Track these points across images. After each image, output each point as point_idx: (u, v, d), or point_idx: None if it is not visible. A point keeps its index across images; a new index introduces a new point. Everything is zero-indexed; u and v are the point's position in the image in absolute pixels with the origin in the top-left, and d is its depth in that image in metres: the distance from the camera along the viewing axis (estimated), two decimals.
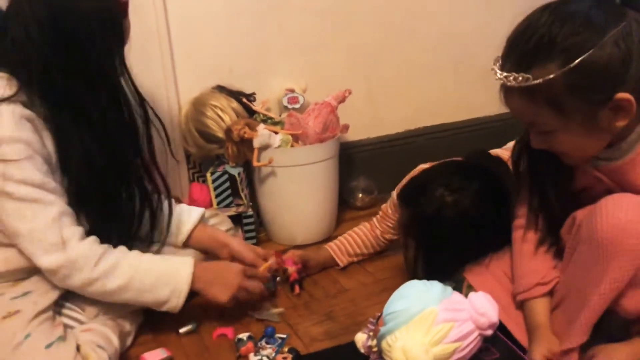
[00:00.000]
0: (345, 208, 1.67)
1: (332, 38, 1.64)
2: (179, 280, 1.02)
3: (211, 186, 1.42)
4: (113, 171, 1.01)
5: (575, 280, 0.86)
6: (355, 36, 1.66)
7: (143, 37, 1.40)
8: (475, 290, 0.89)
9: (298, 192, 1.45)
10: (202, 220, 1.19)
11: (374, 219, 1.37)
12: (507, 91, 0.82)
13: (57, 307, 1.01)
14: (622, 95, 0.75)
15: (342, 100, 1.50)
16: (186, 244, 1.17)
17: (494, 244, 1.07)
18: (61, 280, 0.96)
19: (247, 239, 1.44)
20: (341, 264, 1.34)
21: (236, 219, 1.41)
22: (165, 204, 1.14)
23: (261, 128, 1.39)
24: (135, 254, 1.03)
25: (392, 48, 1.72)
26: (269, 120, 1.47)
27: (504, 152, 1.18)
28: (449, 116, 1.86)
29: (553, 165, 0.91)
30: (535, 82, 0.76)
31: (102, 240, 0.99)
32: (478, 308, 0.77)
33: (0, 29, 0.93)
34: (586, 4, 0.77)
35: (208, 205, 1.43)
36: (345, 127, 1.56)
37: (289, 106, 1.54)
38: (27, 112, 0.92)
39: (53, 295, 0.99)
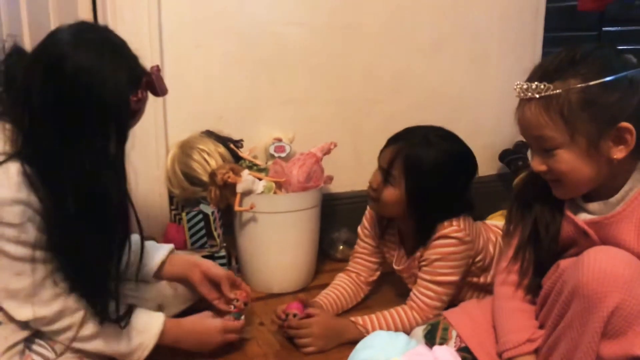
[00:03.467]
0: (325, 259, 1.67)
1: (322, 92, 1.70)
2: (146, 336, 1.02)
3: (186, 226, 1.43)
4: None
5: (561, 333, 0.87)
6: (344, 91, 1.73)
7: None
8: (452, 329, 0.95)
9: (278, 239, 1.45)
10: (172, 252, 1.20)
11: (350, 266, 1.38)
12: (525, 103, 0.88)
13: (27, 342, 1.00)
14: (626, 124, 0.82)
15: (327, 152, 1.53)
16: (158, 275, 1.17)
17: (458, 208, 1.21)
18: (38, 326, 0.97)
19: None
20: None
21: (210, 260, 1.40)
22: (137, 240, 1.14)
23: (245, 174, 1.41)
24: None
25: (380, 104, 1.78)
26: (255, 167, 1.50)
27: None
28: None
29: (549, 211, 0.96)
30: (555, 91, 0.83)
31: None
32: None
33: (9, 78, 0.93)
34: (608, 51, 0.87)
35: (183, 246, 1.44)
36: (330, 178, 1.58)
37: (276, 154, 1.57)
38: (27, 167, 0.89)
39: (24, 332, 0.98)
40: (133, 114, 0.96)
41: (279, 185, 1.45)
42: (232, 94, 1.59)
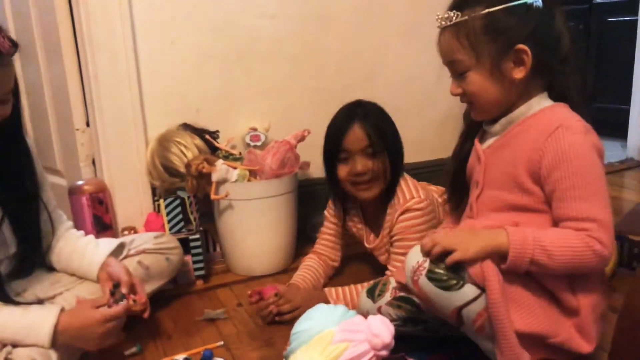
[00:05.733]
0: (308, 242, 1.73)
1: (296, 81, 1.75)
2: (40, 335, 1.01)
3: (164, 212, 1.50)
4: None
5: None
6: (319, 80, 1.78)
7: (114, 78, 1.53)
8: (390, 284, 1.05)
9: (255, 224, 1.52)
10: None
11: (317, 248, 1.45)
12: (441, 32, 0.96)
13: None
14: (522, 46, 0.89)
15: (301, 139, 1.59)
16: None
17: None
18: None
19: (194, 262, 1.49)
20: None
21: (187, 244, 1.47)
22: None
23: (219, 163, 1.48)
24: None
25: (355, 92, 1.78)
26: (230, 157, 1.57)
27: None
28: (411, 156, 1.93)
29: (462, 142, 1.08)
30: (463, 18, 0.91)
31: None
32: (373, 329, 0.83)
33: None
34: None
35: (161, 230, 1.50)
36: (307, 164, 1.64)
37: (252, 143, 1.64)
38: None
39: None
40: None
41: (254, 173, 1.52)
42: (208, 87, 1.65)
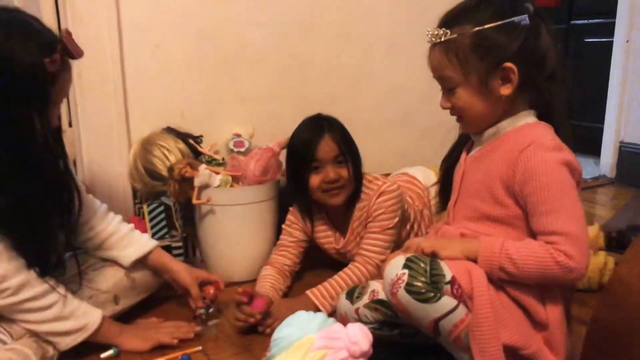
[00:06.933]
0: None
1: (281, 89, 1.77)
2: (90, 318, 1.12)
3: (147, 217, 1.50)
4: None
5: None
6: (304, 88, 1.80)
7: (98, 78, 1.52)
8: (368, 287, 1.10)
9: (236, 230, 1.53)
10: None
11: (273, 259, 1.47)
12: (431, 49, 0.98)
13: None
14: (509, 64, 0.92)
15: (284, 146, 1.60)
16: (144, 260, 1.29)
17: None
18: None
19: None
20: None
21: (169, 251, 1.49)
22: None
23: (202, 168, 1.48)
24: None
25: (339, 101, 1.85)
26: (213, 162, 1.57)
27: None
28: (393, 167, 1.97)
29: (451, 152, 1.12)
30: (452, 36, 0.93)
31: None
32: (351, 337, 0.84)
33: None
34: None
35: None
36: None
37: (235, 149, 1.64)
38: None
39: None
40: (52, 77, 1.00)
41: (236, 179, 1.52)
42: (192, 92, 1.66)
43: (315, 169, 1.37)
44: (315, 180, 1.37)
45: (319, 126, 1.38)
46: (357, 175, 1.41)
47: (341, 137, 1.38)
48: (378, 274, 1.34)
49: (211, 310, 1.30)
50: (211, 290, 1.29)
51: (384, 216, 1.39)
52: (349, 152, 1.38)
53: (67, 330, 1.10)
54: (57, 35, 1.03)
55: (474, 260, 0.91)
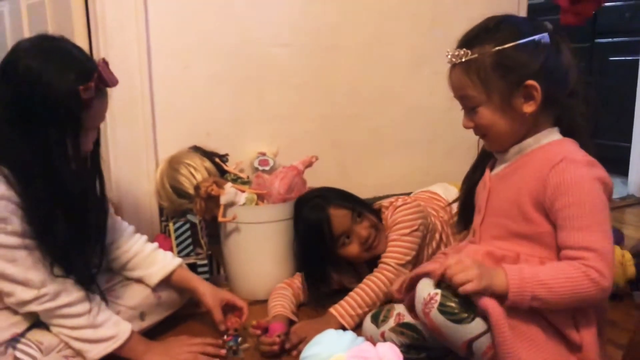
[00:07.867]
0: None
1: (306, 109, 1.79)
2: (121, 328, 1.13)
3: (173, 235, 1.51)
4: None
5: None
6: (328, 107, 1.81)
7: (128, 100, 1.56)
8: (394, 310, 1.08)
9: (260, 248, 1.53)
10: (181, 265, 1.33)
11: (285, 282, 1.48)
12: (452, 68, 0.98)
13: (12, 341, 1.09)
14: (532, 82, 0.91)
15: (308, 164, 1.61)
16: (167, 280, 1.30)
17: None
18: (39, 309, 1.07)
19: None
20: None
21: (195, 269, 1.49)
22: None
23: (228, 186, 1.49)
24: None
25: (362, 120, 1.86)
26: (239, 180, 1.59)
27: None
28: (418, 185, 1.96)
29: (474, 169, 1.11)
30: (473, 56, 0.93)
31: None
32: (381, 356, 0.84)
33: None
34: (520, 18, 1.03)
35: None
36: None
37: (260, 168, 1.66)
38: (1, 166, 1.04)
39: (6, 334, 1.08)
40: (86, 104, 1.03)
41: (261, 197, 1.53)
42: (219, 112, 1.69)
43: (342, 244, 1.40)
44: (353, 249, 1.40)
45: (318, 205, 1.40)
46: (373, 212, 1.45)
47: (342, 199, 1.42)
48: (395, 279, 1.31)
49: (240, 339, 1.25)
50: (235, 321, 1.27)
51: (400, 225, 1.40)
52: (354, 204, 1.41)
53: (99, 338, 1.10)
54: (95, 64, 1.06)
55: (503, 295, 0.86)
